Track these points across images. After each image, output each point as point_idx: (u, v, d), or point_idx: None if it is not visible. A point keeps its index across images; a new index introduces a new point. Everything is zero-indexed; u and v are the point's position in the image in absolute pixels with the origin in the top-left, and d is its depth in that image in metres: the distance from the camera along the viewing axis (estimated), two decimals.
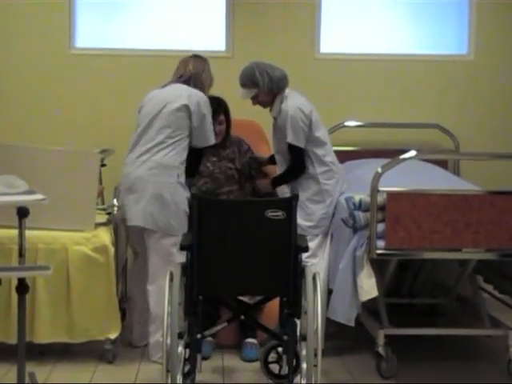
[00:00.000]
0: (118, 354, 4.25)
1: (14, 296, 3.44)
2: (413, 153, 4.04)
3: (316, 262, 4.33)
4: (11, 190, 3.29)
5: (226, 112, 4.68)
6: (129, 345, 4.45)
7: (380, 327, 4.12)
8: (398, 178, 4.04)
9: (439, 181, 4.50)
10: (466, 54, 5.82)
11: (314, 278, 3.45)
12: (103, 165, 4.66)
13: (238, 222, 3.48)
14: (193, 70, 4.35)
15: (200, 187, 4.50)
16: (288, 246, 3.46)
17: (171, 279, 3.45)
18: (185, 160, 4.25)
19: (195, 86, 4.31)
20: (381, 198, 3.96)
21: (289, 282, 3.48)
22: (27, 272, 3.46)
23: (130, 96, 5.26)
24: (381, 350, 4.08)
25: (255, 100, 4.47)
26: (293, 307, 3.54)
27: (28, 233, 3.40)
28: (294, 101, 4.40)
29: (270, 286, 3.55)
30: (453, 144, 5.63)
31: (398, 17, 5.84)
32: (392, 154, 4.34)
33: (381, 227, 3.96)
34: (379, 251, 3.95)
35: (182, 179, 4.22)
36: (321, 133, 4.46)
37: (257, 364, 4.05)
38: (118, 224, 4.42)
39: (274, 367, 3.93)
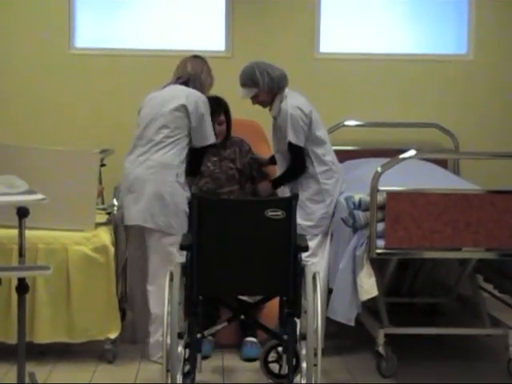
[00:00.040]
0: (117, 354, 4.26)
1: (14, 296, 3.44)
2: (412, 152, 4.04)
3: (316, 262, 4.33)
4: (11, 190, 3.29)
5: (227, 112, 4.68)
6: (132, 342, 4.47)
7: (380, 326, 4.12)
8: (397, 177, 4.04)
9: (439, 180, 4.50)
10: (466, 54, 5.82)
11: (313, 278, 3.45)
12: (103, 165, 4.66)
13: (237, 222, 3.48)
14: (191, 71, 4.35)
15: (201, 187, 4.51)
16: (288, 246, 3.46)
17: (171, 279, 3.45)
18: (184, 159, 4.26)
19: (194, 87, 4.31)
20: (381, 198, 3.96)
21: (289, 281, 3.48)
22: (27, 272, 3.46)
23: (129, 96, 5.26)
24: (381, 349, 4.08)
25: (255, 100, 4.47)
26: (293, 307, 3.54)
27: (28, 233, 3.40)
28: (293, 100, 4.40)
29: (270, 286, 3.55)
30: (452, 143, 5.63)
31: (397, 16, 5.84)
32: (392, 153, 4.35)
33: (381, 227, 3.96)
34: (379, 250, 3.95)
35: (181, 179, 4.22)
36: (321, 132, 4.47)
37: (257, 364, 4.05)
38: (118, 224, 4.42)
39: (274, 367, 3.94)
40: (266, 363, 3.95)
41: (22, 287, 3.33)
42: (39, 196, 3.28)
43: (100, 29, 5.70)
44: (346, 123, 5.54)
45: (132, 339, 4.49)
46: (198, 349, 3.60)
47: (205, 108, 4.29)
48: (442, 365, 4.27)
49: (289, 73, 4.47)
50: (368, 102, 5.71)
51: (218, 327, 3.79)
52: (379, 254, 3.96)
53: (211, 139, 4.33)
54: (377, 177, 3.94)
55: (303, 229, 4.25)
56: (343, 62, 5.73)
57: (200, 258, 3.47)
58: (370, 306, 4.25)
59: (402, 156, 4.01)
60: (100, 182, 4.68)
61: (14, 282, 3.40)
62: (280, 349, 3.84)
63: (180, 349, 3.45)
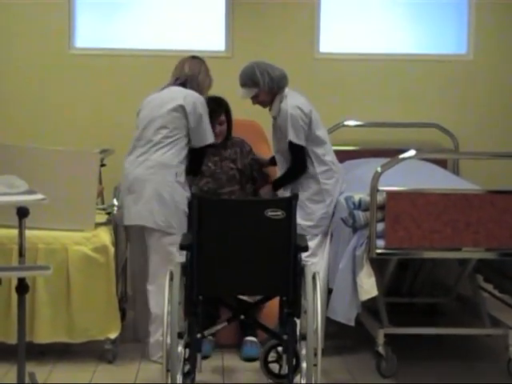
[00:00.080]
0: (117, 354, 4.26)
1: (14, 296, 3.44)
2: (412, 152, 4.04)
3: (316, 262, 4.33)
4: (11, 190, 3.29)
5: (227, 112, 4.68)
6: (133, 341, 4.47)
7: (380, 326, 4.12)
8: (397, 177, 4.04)
9: (439, 180, 4.50)
10: (466, 54, 5.82)
11: (313, 278, 3.45)
12: (103, 165, 4.66)
13: (237, 222, 3.49)
14: (188, 72, 4.36)
15: (201, 187, 4.51)
16: (288, 246, 3.46)
17: (171, 279, 3.45)
18: (184, 159, 4.26)
19: (191, 88, 4.32)
20: (380, 198, 3.96)
21: (288, 281, 3.48)
22: (27, 272, 3.46)
23: (129, 96, 5.26)
24: (381, 349, 4.08)
25: (255, 100, 4.47)
26: (292, 306, 3.54)
27: (28, 233, 3.41)
28: (293, 100, 4.41)
29: (270, 286, 3.55)
30: (452, 143, 5.63)
31: (397, 17, 5.84)
32: (391, 153, 4.35)
33: (380, 226, 3.96)
34: (379, 250, 3.95)
35: (181, 178, 4.23)
36: (321, 132, 4.47)
37: (257, 364, 4.05)
38: (118, 224, 4.42)
39: (274, 367, 3.94)
40: (265, 363, 3.95)
41: (22, 287, 3.33)
42: (39, 196, 3.28)
43: (100, 29, 5.70)
44: (346, 123, 5.54)
45: (134, 338, 4.49)
46: (197, 349, 3.60)
47: (203, 109, 4.29)
48: (442, 365, 4.27)
49: (289, 73, 4.47)
50: (368, 101, 5.71)
51: (218, 327, 3.79)
52: (379, 254, 3.96)
53: (210, 139, 4.34)
54: (377, 177, 3.94)
55: (303, 229, 4.25)
56: (343, 62, 5.72)
57: (200, 257, 3.47)
58: (369, 306, 4.25)
59: (401, 156, 4.01)
60: (100, 182, 4.68)
61: (14, 282, 3.40)
62: (280, 349, 3.84)
63: (180, 349, 3.45)
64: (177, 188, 4.19)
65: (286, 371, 3.65)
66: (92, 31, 5.69)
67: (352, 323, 4.12)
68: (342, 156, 4.88)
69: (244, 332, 4.42)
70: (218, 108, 4.57)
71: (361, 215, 4.09)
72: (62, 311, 4.13)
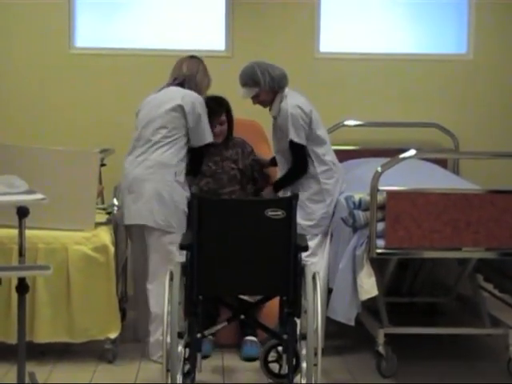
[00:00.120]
0: (117, 354, 4.26)
1: (14, 296, 3.44)
2: (412, 152, 4.05)
3: (316, 261, 4.33)
4: (11, 190, 3.29)
5: (228, 112, 4.67)
6: (134, 341, 4.47)
7: (380, 326, 4.12)
8: (397, 177, 4.04)
9: (439, 180, 4.50)
10: (466, 54, 5.81)
11: (313, 277, 3.45)
12: (103, 165, 4.66)
13: (237, 222, 3.49)
14: (186, 72, 4.36)
15: (202, 187, 4.51)
16: (288, 246, 3.46)
17: (171, 278, 3.45)
18: (183, 159, 4.27)
19: (189, 88, 4.33)
20: (381, 197, 3.96)
21: (289, 281, 3.48)
22: (27, 272, 3.46)
23: (129, 96, 5.26)
24: (381, 349, 4.08)
25: (256, 99, 4.47)
26: (293, 306, 3.54)
27: (28, 232, 3.41)
28: (293, 99, 4.41)
29: (270, 286, 3.55)
30: (452, 143, 5.63)
31: (397, 16, 5.84)
32: (392, 153, 4.35)
33: (381, 226, 3.96)
34: (379, 250, 3.95)
35: (180, 178, 4.23)
36: (321, 132, 4.47)
37: (257, 363, 4.05)
38: (118, 224, 4.42)
39: (274, 366, 3.94)
40: (265, 363, 3.95)
41: (22, 287, 3.33)
42: (39, 196, 3.28)
43: (100, 29, 5.70)
44: (346, 123, 5.53)
45: (134, 338, 4.49)
46: (197, 348, 3.60)
47: (201, 108, 4.30)
48: (442, 364, 4.27)
49: (289, 72, 4.47)
50: (368, 101, 5.70)
51: (218, 327, 3.79)
52: (379, 253, 3.96)
53: (209, 139, 4.35)
54: (377, 176, 3.94)
55: (303, 228, 4.25)
56: (343, 62, 5.72)
57: (200, 257, 3.47)
58: (369, 306, 4.25)
59: (401, 156, 4.01)
60: (100, 182, 4.68)
61: (14, 282, 3.40)
62: (280, 348, 3.84)
63: (180, 348, 3.45)
64: (176, 187, 4.19)
65: (286, 371, 3.65)
66: (92, 31, 5.68)
67: (352, 323, 4.12)
68: (342, 156, 4.88)
69: (244, 332, 4.42)
70: (218, 108, 4.57)
71: (361, 215, 4.09)
72: (62, 311, 4.14)
